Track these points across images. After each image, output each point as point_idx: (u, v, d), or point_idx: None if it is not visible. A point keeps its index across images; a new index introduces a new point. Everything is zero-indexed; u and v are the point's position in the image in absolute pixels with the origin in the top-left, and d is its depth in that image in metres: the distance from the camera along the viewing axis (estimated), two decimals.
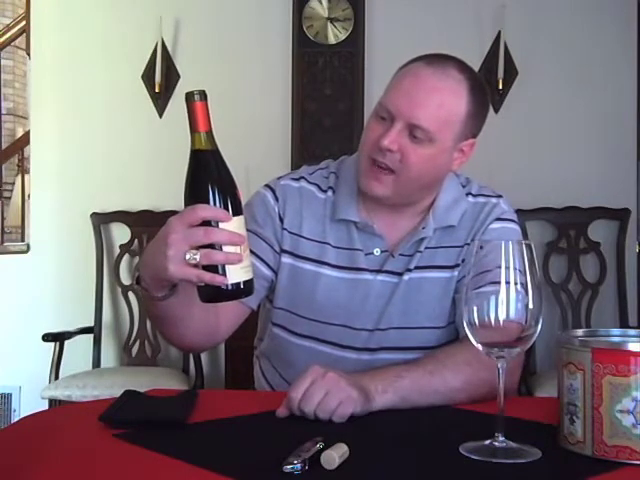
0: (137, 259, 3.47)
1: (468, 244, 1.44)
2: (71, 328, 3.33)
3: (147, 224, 3.40)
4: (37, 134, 3.70)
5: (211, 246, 1.03)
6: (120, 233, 3.53)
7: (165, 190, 3.36)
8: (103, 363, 3.45)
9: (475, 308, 0.95)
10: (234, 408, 1.19)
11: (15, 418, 3.56)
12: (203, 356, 3.38)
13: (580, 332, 1.04)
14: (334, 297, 1.44)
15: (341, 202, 1.46)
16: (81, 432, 1.07)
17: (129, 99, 3.59)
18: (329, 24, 3.48)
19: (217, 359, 3.46)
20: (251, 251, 1.13)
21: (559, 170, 3.43)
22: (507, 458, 0.92)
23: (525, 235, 3.01)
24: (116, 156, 3.58)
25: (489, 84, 3.37)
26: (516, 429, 0.98)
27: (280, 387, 1.52)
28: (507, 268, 0.93)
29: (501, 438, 0.95)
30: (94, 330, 3.44)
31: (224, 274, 1.04)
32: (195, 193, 1.05)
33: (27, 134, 4.13)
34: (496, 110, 3.41)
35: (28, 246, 3.69)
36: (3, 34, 5.03)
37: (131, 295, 3.45)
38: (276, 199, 1.48)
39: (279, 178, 1.52)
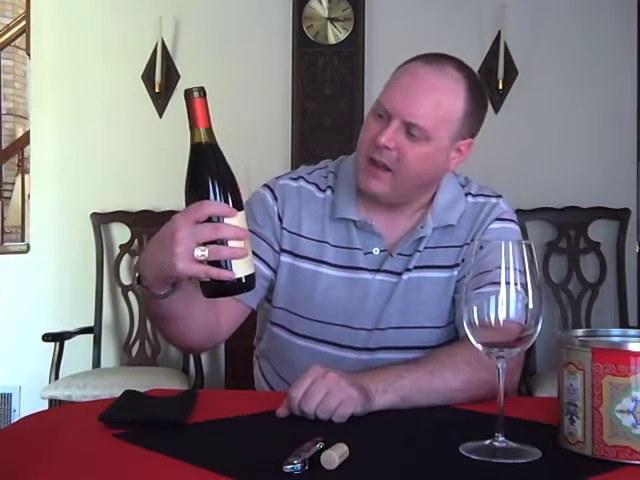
0: (137, 259, 3.47)
1: (467, 244, 1.44)
2: (71, 328, 3.33)
3: (147, 224, 3.40)
4: (37, 134, 3.70)
5: (215, 242, 1.04)
6: (120, 233, 3.53)
7: (165, 190, 3.36)
8: (103, 363, 3.45)
9: (475, 308, 0.95)
10: (234, 408, 1.19)
11: (15, 418, 3.56)
12: (203, 356, 3.39)
13: (580, 332, 1.04)
14: (333, 296, 1.44)
15: (340, 201, 1.46)
16: (81, 432, 1.07)
17: (129, 99, 3.59)
18: (329, 24, 3.48)
19: (217, 359, 3.46)
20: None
21: (559, 170, 3.43)
22: (507, 458, 0.92)
23: (525, 235, 3.01)
24: (116, 156, 3.58)
25: (489, 84, 3.37)
26: (516, 429, 0.98)
27: (279, 387, 1.52)
28: (507, 268, 0.93)
29: (501, 438, 0.95)
30: (94, 330, 3.44)
31: (230, 269, 1.05)
32: (198, 188, 1.06)
33: (27, 134, 4.13)
34: (496, 110, 3.41)
35: (28, 246, 3.69)
36: (3, 34, 5.03)
37: (131, 295, 3.45)
38: (275, 199, 1.48)
39: (277, 178, 1.52)
